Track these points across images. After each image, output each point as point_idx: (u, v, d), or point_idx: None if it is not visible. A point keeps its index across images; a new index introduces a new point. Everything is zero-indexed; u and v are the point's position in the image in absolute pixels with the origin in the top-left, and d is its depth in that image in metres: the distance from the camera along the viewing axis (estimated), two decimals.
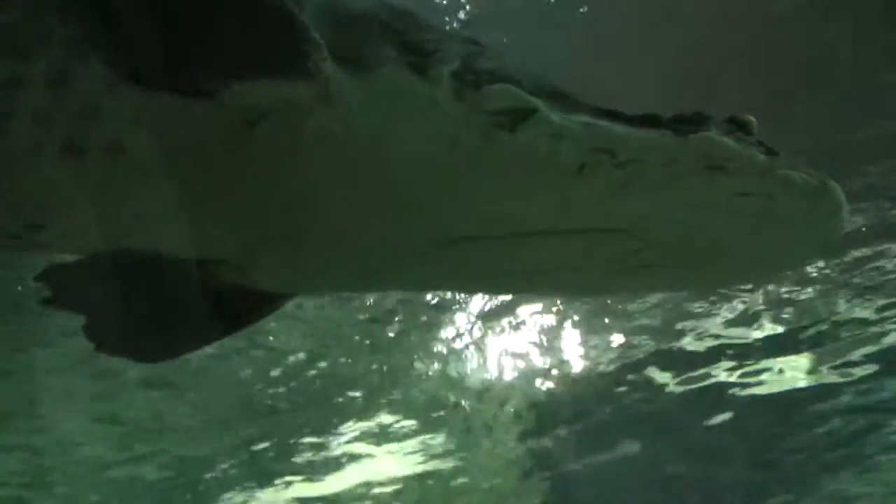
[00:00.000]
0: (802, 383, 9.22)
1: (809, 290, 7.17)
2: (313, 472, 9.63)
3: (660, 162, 1.47)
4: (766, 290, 7.12)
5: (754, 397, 9.39)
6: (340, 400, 7.96)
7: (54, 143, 1.36)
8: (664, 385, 8.89)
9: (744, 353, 8.38)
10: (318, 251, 1.61)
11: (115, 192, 1.43)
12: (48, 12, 1.32)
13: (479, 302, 6.53)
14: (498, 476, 10.93)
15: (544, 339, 7.50)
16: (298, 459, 9.30)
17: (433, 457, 9.89)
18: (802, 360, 8.73)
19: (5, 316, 5.41)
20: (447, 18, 3.90)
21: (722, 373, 8.75)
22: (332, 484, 10.02)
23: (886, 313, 7.76)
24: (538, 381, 8.35)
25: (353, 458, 9.44)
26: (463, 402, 8.59)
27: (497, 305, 6.63)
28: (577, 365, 8.16)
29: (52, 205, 1.44)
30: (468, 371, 7.81)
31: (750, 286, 7.00)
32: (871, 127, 5.29)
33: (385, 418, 8.67)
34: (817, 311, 7.63)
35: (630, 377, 8.64)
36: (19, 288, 5.01)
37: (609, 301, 6.83)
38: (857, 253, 6.67)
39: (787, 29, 4.44)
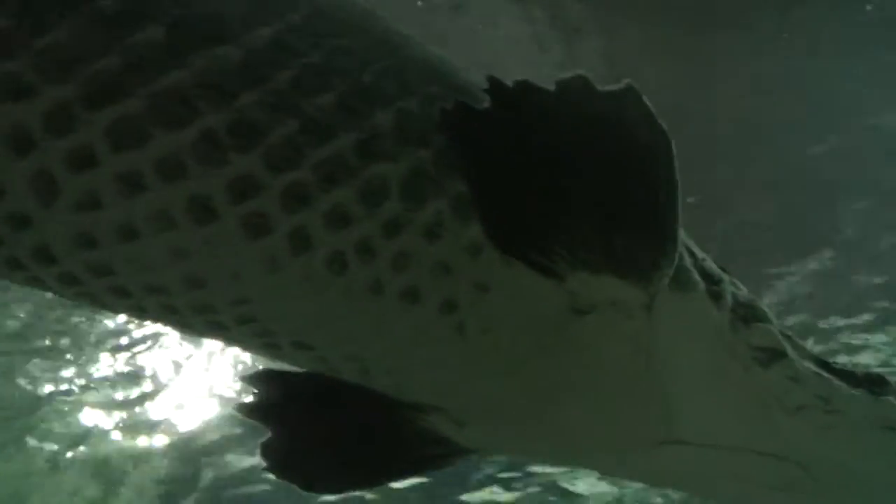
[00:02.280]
0: None
1: None
2: None
3: (855, 415, 1.74)
4: None
5: None
6: None
7: (396, 285, 1.36)
8: None
9: None
10: (550, 429, 1.68)
11: (415, 339, 1.45)
12: (447, 168, 1.35)
13: None
14: None
15: None
16: None
17: None
18: None
19: None
20: None
21: None
22: None
23: None
24: None
25: None
26: None
27: None
28: None
29: (340, 333, 1.43)
30: None
31: None
32: None
33: None
34: None
35: None
36: None
37: None
38: None
39: None
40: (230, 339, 1.47)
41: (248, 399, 1.75)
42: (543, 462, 1.82)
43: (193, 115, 1.20)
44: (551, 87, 1.27)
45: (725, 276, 1.69)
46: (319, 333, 1.43)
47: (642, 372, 1.57)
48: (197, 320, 1.39)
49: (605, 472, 1.97)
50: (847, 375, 1.76)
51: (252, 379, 1.73)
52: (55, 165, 1.16)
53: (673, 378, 1.60)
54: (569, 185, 1.35)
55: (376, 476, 1.81)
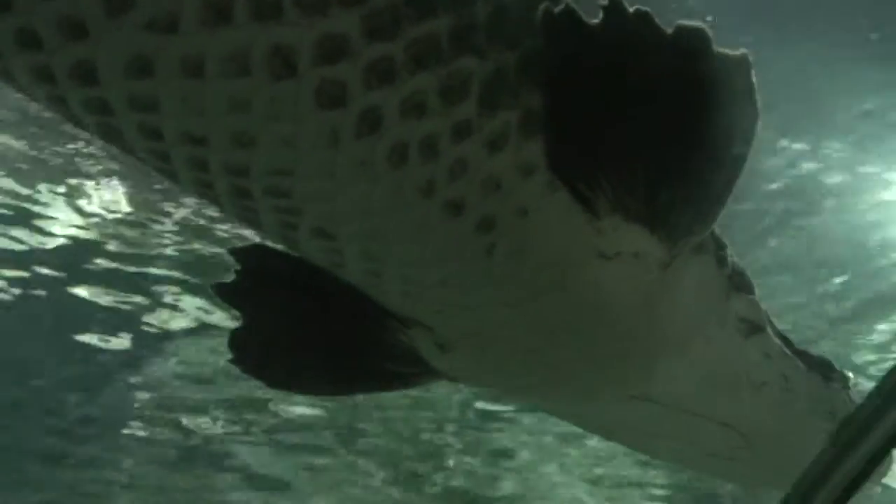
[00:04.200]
0: None
1: None
2: None
3: (806, 398, 1.84)
4: None
5: None
6: None
7: (446, 192, 1.29)
8: None
9: None
10: (536, 366, 1.66)
11: (443, 251, 1.37)
12: (526, 77, 1.28)
13: None
14: None
15: None
16: None
17: None
18: None
19: None
20: None
21: None
22: None
23: None
24: None
25: None
26: None
27: None
28: None
29: (369, 229, 1.33)
30: None
31: None
32: None
33: None
34: None
35: None
36: None
37: None
38: None
39: None
40: (244, 209, 1.33)
41: (230, 277, 1.63)
42: (506, 396, 1.82)
43: None
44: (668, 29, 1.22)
45: (727, 244, 1.72)
46: (348, 224, 1.33)
47: (641, 326, 1.57)
48: (222, 181, 1.25)
49: (563, 416, 1.98)
50: (804, 357, 1.85)
51: (240, 252, 1.61)
52: None
53: (665, 336, 1.62)
54: (645, 129, 1.31)
55: (342, 383, 1.74)
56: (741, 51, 1.25)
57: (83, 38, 1.04)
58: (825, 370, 1.89)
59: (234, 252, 1.61)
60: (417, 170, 1.25)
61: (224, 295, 1.62)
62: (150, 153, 1.22)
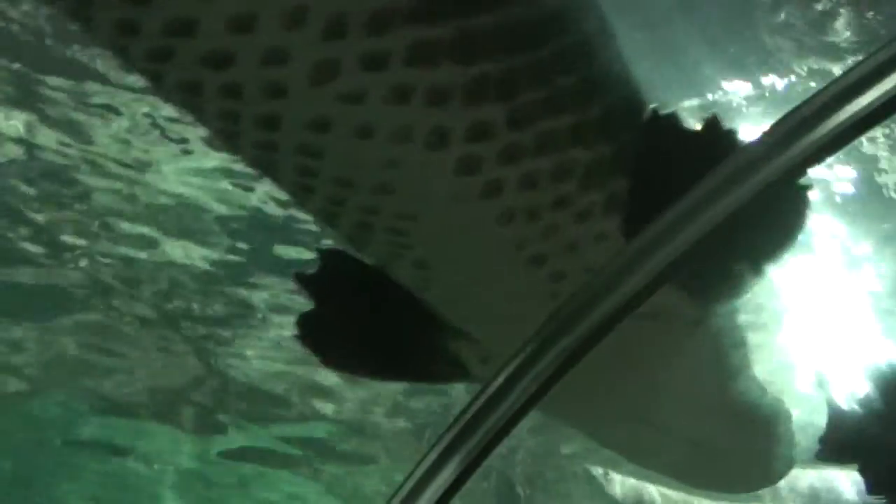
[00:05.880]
0: None
1: None
2: None
3: (758, 427, 2.14)
4: None
5: None
6: None
7: (535, 248, 1.50)
8: None
9: None
10: (565, 389, 1.86)
11: (517, 293, 1.58)
12: (614, 166, 1.49)
13: None
14: None
15: None
16: None
17: None
18: None
19: None
20: None
21: None
22: None
23: None
24: None
25: None
26: None
27: None
28: None
29: (463, 267, 1.54)
30: None
31: None
32: None
33: None
34: None
35: None
36: None
37: None
38: None
39: None
40: (360, 238, 1.53)
41: (309, 271, 1.81)
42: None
43: (478, 59, 1.24)
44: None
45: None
46: (446, 262, 1.54)
47: (666, 369, 1.84)
48: (352, 216, 1.44)
49: (574, 427, 2.24)
50: (765, 394, 2.16)
51: (323, 253, 1.80)
52: (348, 58, 1.17)
53: (678, 377, 1.89)
54: None
55: (386, 372, 1.95)
56: (809, 183, 1.51)
57: (280, 98, 1.20)
58: (774, 404, 2.20)
59: (319, 251, 1.80)
60: (518, 229, 1.46)
61: (302, 283, 1.81)
62: (294, 185, 1.40)
